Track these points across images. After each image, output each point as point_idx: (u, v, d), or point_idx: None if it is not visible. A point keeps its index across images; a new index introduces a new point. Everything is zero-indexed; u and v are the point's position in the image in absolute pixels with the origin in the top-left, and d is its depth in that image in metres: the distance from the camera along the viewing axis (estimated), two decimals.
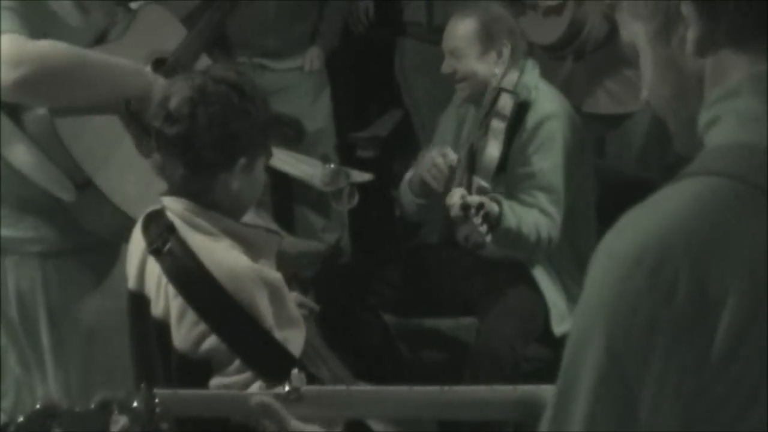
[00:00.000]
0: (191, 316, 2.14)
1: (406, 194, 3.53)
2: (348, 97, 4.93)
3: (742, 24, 1.06)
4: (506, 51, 3.33)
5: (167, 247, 2.18)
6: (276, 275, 2.21)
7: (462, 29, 3.36)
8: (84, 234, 2.67)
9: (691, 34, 1.09)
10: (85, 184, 2.58)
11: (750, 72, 1.07)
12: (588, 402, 1.04)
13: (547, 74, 3.57)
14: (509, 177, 3.25)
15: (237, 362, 2.13)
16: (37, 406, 1.30)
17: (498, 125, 3.19)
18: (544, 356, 3.28)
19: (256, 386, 2.11)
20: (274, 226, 4.03)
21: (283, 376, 2.15)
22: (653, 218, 1.04)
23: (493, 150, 3.15)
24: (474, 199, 2.99)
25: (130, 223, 2.46)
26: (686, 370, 1.00)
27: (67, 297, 2.72)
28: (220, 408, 1.54)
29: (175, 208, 2.22)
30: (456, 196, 3.02)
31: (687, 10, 1.08)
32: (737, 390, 1.00)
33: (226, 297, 2.12)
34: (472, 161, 3.23)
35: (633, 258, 1.02)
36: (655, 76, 1.16)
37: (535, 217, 3.20)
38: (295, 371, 1.48)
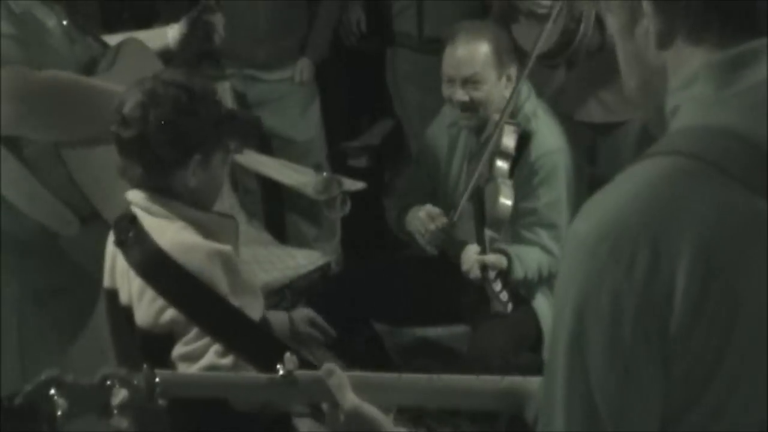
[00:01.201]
0: (150, 292, 2.24)
1: (397, 227, 3.52)
2: (340, 106, 4.95)
3: (696, 17, 1.15)
4: (514, 72, 3.30)
5: (129, 235, 2.29)
6: (226, 247, 2.29)
7: (477, 54, 3.25)
8: (65, 275, 2.64)
9: (652, 28, 1.17)
10: (90, 217, 2.56)
11: (706, 61, 1.15)
12: (564, 366, 1.11)
13: (540, 83, 3.58)
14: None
15: (195, 329, 2.22)
16: (42, 377, 1.34)
17: (503, 165, 3.14)
18: (536, 364, 3.27)
19: (212, 351, 2.20)
20: (267, 236, 4.05)
21: (240, 341, 2.21)
22: (613, 199, 1.12)
23: (505, 199, 3.08)
24: (491, 258, 2.98)
25: None
26: (651, 339, 1.06)
27: (41, 342, 2.68)
28: (218, 390, 1.58)
29: (135, 198, 2.33)
30: (472, 256, 2.99)
31: (647, 6, 1.17)
32: (697, 365, 1.06)
33: (180, 270, 2.22)
34: (481, 207, 3.16)
35: (596, 237, 1.09)
36: (625, 68, 1.25)
37: (537, 258, 3.19)
38: (287, 354, 1.52)
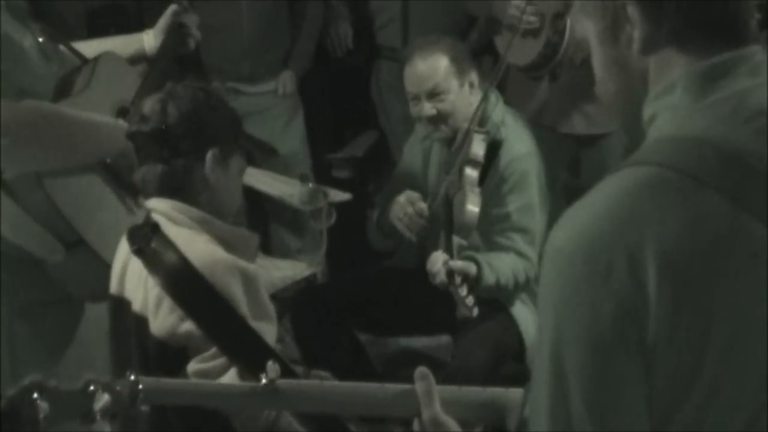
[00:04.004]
0: (168, 302, 2.22)
1: (376, 234, 3.53)
2: (324, 118, 4.95)
3: (682, 25, 1.15)
4: (476, 78, 3.32)
5: (150, 244, 2.26)
6: (252, 266, 2.30)
7: (436, 66, 3.28)
8: (52, 289, 2.62)
9: (637, 34, 1.17)
10: (75, 244, 2.54)
11: (686, 70, 1.15)
12: (547, 373, 1.11)
13: (523, 95, 3.60)
14: (483, 217, 3.18)
15: (213, 348, 2.21)
16: (25, 382, 1.34)
17: (472, 173, 3.15)
18: (521, 373, 3.28)
19: (232, 373, 2.18)
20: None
21: (256, 363, 2.18)
22: (588, 210, 1.13)
23: (472, 206, 3.09)
24: (458, 264, 2.97)
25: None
26: (630, 346, 1.07)
27: (32, 355, 2.65)
28: (202, 398, 1.56)
29: (159, 207, 2.32)
30: (439, 263, 2.99)
31: (632, 11, 1.17)
32: (678, 372, 1.07)
33: (203, 283, 2.21)
34: (449, 215, 3.18)
35: (573, 246, 1.10)
36: (603, 73, 1.25)
37: (512, 263, 3.19)
38: (270, 363, 1.50)
